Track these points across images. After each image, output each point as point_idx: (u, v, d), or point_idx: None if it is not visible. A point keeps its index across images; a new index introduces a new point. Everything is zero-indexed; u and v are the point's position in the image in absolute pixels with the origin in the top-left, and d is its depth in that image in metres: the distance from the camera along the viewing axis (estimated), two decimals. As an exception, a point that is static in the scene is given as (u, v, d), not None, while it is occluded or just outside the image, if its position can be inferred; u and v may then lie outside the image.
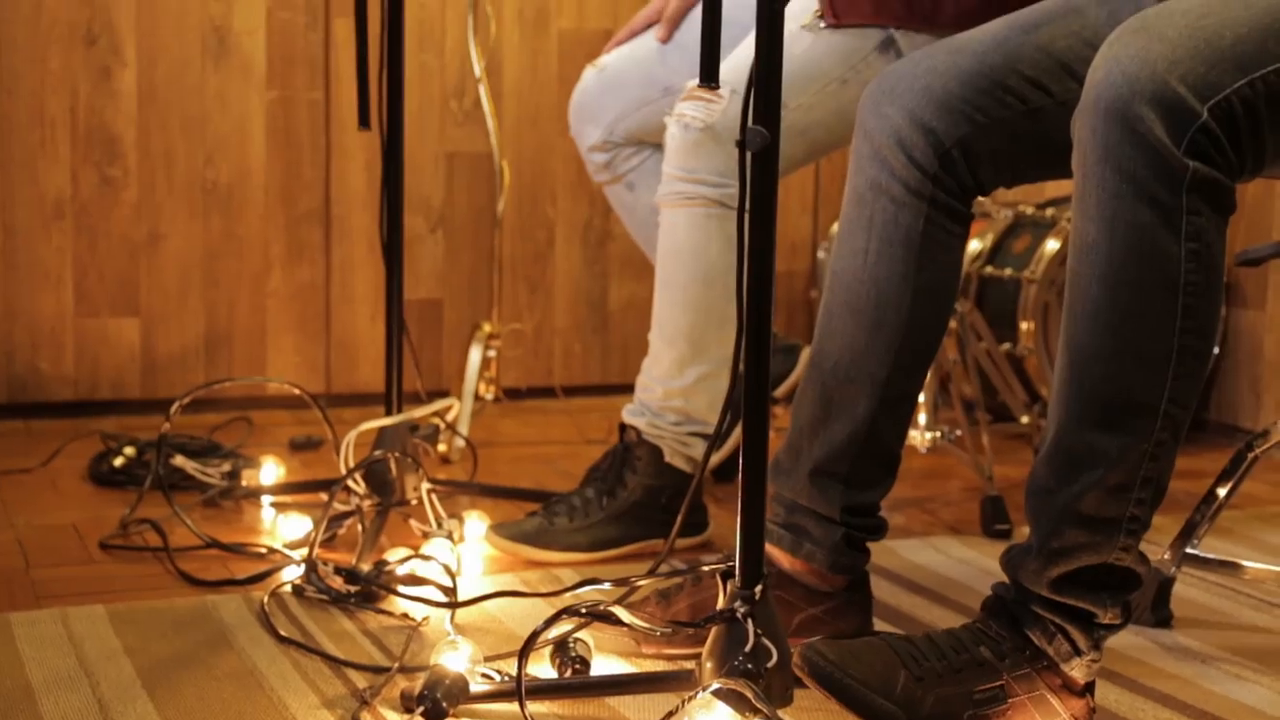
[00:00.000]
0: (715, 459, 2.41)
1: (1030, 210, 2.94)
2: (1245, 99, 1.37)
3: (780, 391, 2.57)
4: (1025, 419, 2.72)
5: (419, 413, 2.30)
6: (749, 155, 1.38)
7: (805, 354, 2.57)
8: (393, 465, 2.17)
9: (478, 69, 2.86)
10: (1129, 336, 1.42)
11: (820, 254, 3.43)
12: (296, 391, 2.31)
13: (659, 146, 2.38)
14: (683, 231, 2.11)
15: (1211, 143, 1.36)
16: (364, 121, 2.19)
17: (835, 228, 3.38)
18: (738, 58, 2.07)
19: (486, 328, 2.91)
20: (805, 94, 2.07)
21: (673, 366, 2.13)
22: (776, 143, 1.38)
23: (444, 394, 2.99)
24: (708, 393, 2.14)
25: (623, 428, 2.17)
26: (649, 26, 2.38)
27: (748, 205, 1.40)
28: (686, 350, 2.12)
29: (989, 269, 2.91)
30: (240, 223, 3.04)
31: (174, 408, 2.20)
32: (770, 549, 1.72)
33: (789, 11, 2.14)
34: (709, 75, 1.36)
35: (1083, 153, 1.41)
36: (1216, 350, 2.94)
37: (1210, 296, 1.42)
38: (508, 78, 3.19)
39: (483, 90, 2.87)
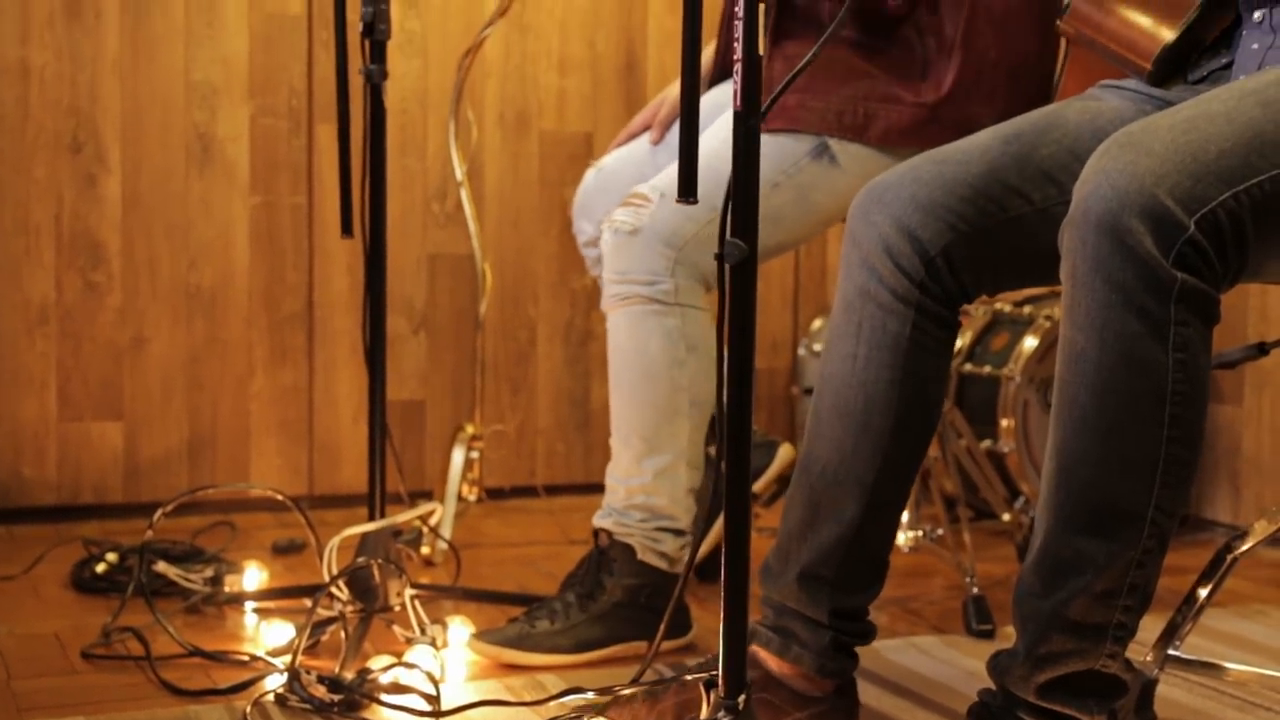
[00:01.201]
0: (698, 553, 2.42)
1: (1008, 308, 2.97)
2: (1231, 212, 1.40)
3: (758, 486, 2.59)
4: (1006, 516, 2.73)
5: (402, 518, 2.31)
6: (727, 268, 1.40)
7: (783, 450, 2.59)
8: (376, 571, 2.17)
9: (459, 173, 2.89)
10: (1116, 444, 1.43)
11: (800, 351, 3.46)
12: (280, 497, 2.31)
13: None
14: (624, 332, 2.16)
15: (1199, 255, 1.39)
16: (347, 230, 2.21)
17: (816, 324, 3.43)
18: (674, 169, 2.12)
19: (469, 429, 2.92)
20: None
21: (631, 464, 2.16)
22: (754, 255, 1.40)
23: (427, 494, 3.00)
24: (668, 486, 2.16)
25: (595, 533, 2.19)
26: (646, 129, 2.44)
27: (727, 317, 1.41)
28: (641, 447, 2.16)
29: (968, 366, 2.94)
30: (223, 326, 3.05)
31: (156, 516, 2.20)
32: (758, 650, 1.73)
33: (725, 120, 2.20)
34: (687, 190, 1.39)
35: (1073, 263, 1.43)
36: (1195, 445, 2.96)
37: (1197, 407, 1.44)
38: (489, 180, 3.22)
39: (464, 194, 2.90)
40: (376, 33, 2.19)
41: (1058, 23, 1.69)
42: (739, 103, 1.38)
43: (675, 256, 2.13)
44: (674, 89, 2.46)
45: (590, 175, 2.49)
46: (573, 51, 3.26)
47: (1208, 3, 1.60)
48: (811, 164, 2.14)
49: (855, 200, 1.71)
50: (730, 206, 1.40)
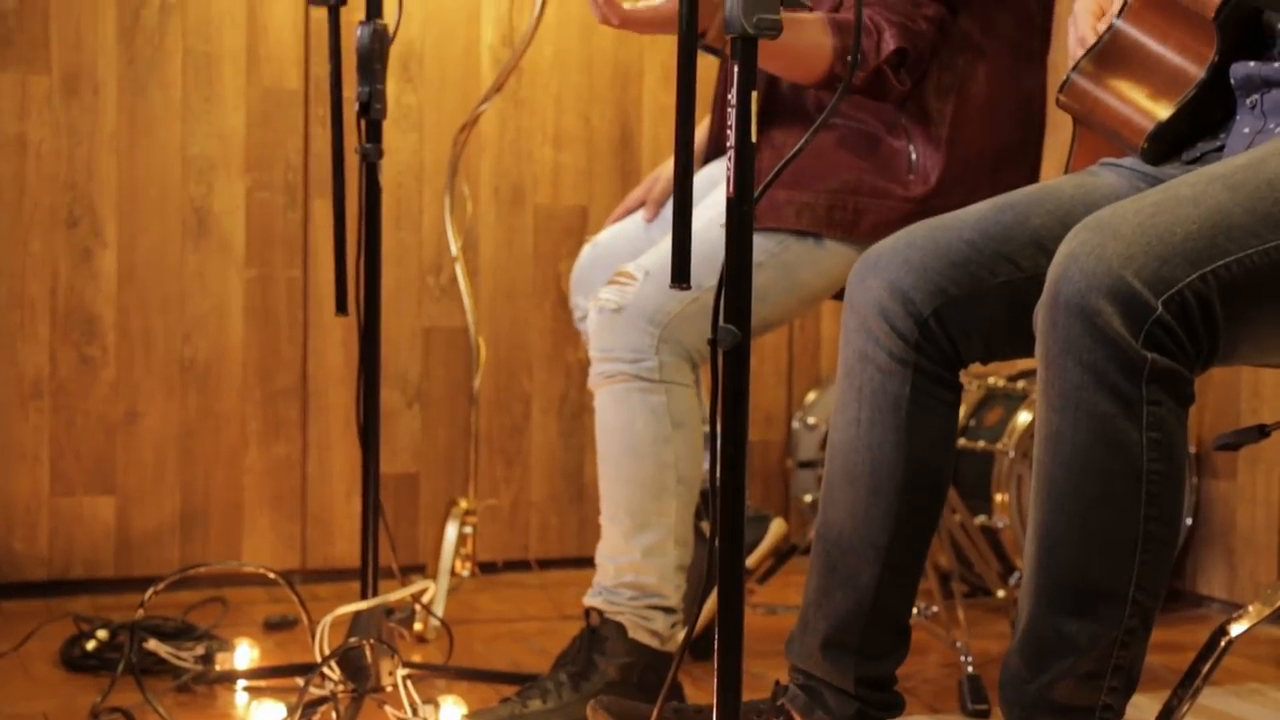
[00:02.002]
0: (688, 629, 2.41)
1: (1002, 382, 2.98)
2: (1198, 292, 1.42)
3: (751, 561, 2.59)
4: (1001, 592, 2.72)
5: (394, 596, 2.30)
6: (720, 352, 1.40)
7: (775, 524, 2.59)
8: (368, 651, 2.16)
9: (454, 247, 2.90)
10: (1095, 524, 1.44)
11: (795, 424, 3.46)
12: (271, 575, 2.30)
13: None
14: (610, 410, 2.17)
15: (1168, 335, 1.40)
16: (341, 307, 2.22)
17: (810, 397, 3.43)
18: (663, 245, 2.13)
19: (463, 504, 2.91)
20: (713, 275, 2.12)
21: (620, 542, 2.16)
22: (747, 340, 1.40)
23: (420, 568, 2.99)
24: (657, 564, 2.16)
25: (587, 612, 2.18)
26: (641, 205, 2.46)
27: (719, 403, 1.42)
28: (629, 524, 2.16)
29: (962, 441, 2.94)
30: (218, 400, 3.05)
31: (147, 595, 2.19)
32: (786, 705, 1.74)
33: (713, 200, 2.21)
34: (679, 276, 1.39)
35: (1045, 345, 1.45)
36: (1190, 521, 2.96)
37: (1173, 485, 1.45)
38: (484, 253, 3.23)
39: (459, 268, 2.91)
40: (372, 112, 2.21)
41: (1058, 96, 1.71)
42: (732, 189, 1.39)
43: (660, 334, 2.14)
44: (668, 166, 2.47)
45: (586, 250, 2.51)
46: (568, 126, 3.28)
47: (1206, 85, 1.62)
48: (797, 243, 2.15)
49: (853, 268, 1.75)
50: (722, 291, 1.40)
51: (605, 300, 2.16)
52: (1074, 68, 1.68)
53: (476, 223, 3.20)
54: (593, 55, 3.27)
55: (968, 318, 1.67)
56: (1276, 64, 1.61)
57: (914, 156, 2.16)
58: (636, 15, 1.95)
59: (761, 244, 2.14)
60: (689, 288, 1.41)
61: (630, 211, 2.49)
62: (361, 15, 2.24)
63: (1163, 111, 1.64)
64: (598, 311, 2.16)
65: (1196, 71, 1.61)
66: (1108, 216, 1.45)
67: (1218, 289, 1.42)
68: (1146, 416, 1.42)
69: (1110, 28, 1.66)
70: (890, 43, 2.08)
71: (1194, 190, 1.47)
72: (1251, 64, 1.62)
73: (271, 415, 3.09)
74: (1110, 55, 1.66)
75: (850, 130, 2.19)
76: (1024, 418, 2.87)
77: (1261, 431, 1.67)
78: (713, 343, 1.40)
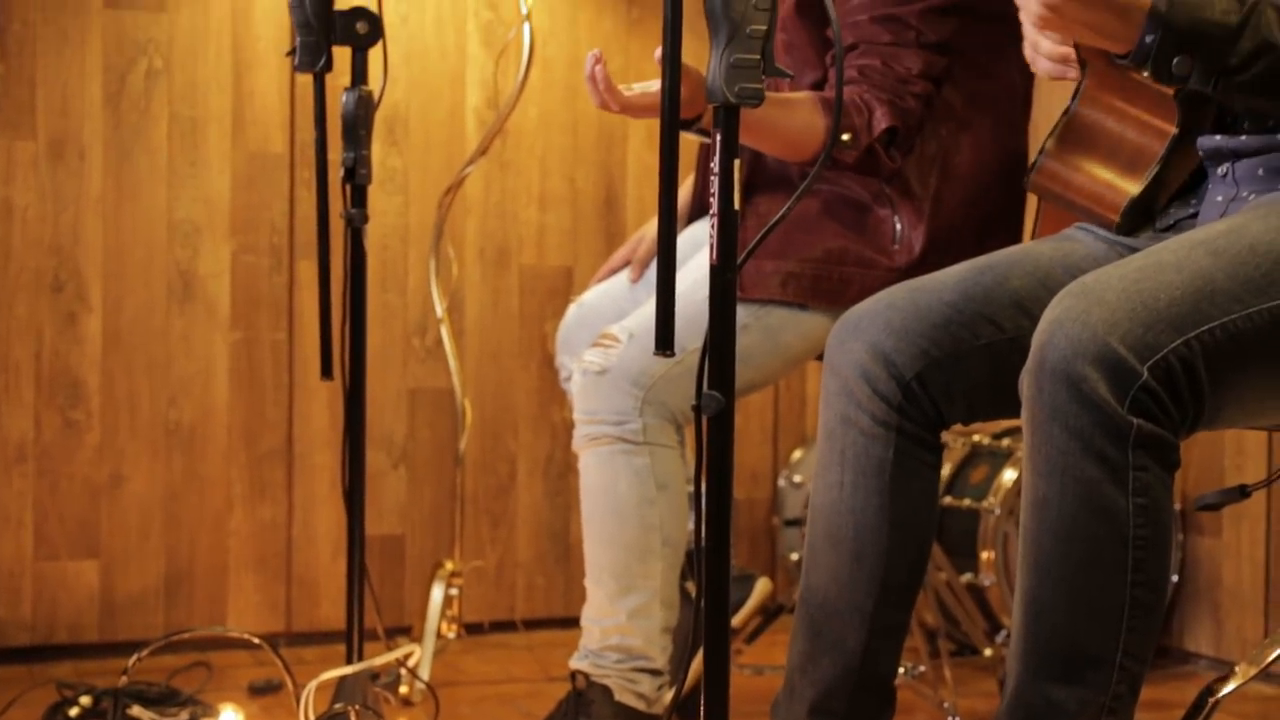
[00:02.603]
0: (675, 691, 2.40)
1: (987, 440, 2.98)
2: (1183, 358, 1.42)
3: (736, 621, 2.58)
4: (988, 651, 2.72)
5: (379, 661, 2.29)
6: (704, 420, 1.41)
7: (760, 583, 2.59)
8: (353, 717, 2.15)
9: (439, 309, 2.91)
10: (1082, 589, 1.44)
11: (781, 482, 3.46)
12: (256, 640, 2.30)
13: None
14: (594, 472, 2.17)
15: (1154, 400, 1.41)
16: (326, 372, 2.22)
17: (796, 455, 3.43)
18: (647, 307, 2.14)
19: (449, 565, 2.91)
20: (697, 338, 2.13)
21: (605, 604, 2.16)
22: (731, 407, 1.41)
23: (406, 630, 2.97)
24: (643, 626, 2.16)
25: (573, 675, 2.18)
26: (626, 264, 2.47)
27: (704, 468, 1.42)
28: (614, 587, 2.16)
29: (948, 499, 2.94)
30: (202, 463, 3.04)
31: (131, 662, 2.18)
32: None
33: (697, 262, 2.22)
34: (664, 343, 1.40)
35: (1032, 410, 1.45)
36: (1176, 578, 2.96)
37: (1160, 551, 1.45)
38: (469, 314, 3.24)
39: (444, 330, 2.92)
40: (358, 177, 2.22)
41: (1028, 177, 1.71)
42: (715, 257, 1.40)
43: (643, 396, 2.15)
44: (652, 226, 2.49)
45: (572, 310, 2.52)
46: (553, 187, 3.29)
47: (1169, 154, 1.63)
48: (780, 307, 2.17)
49: (832, 331, 1.74)
50: (707, 358, 1.41)
51: (589, 362, 2.17)
52: (1040, 152, 1.69)
53: (462, 284, 3.21)
54: (577, 118, 3.29)
55: (950, 379, 1.67)
56: (1243, 137, 1.62)
57: (898, 226, 2.18)
58: (635, 101, 1.96)
59: (745, 307, 2.15)
60: (673, 354, 1.41)
61: (615, 271, 2.50)
62: (347, 81, 2.26)
63: (1133, 187, 1.65)
64: (581, 374, 2.17)
65: (1159, 146, 1.63)
66: (1092, 283, 1.46)
67: (1202, 354, 1.43)
68: (1133, 482, 1.42)
69: (1066, 111, 1.68)
70: (882, 121, 2.10)
71: (1177, 256, 1.48)
72: (1218, 137, 1.64)
73: (257, 478, 3.08)
74: (1072, 138, 1.67)
75: (835, 197, 2.21)
76: (1009, 475, 2.87)
77: (1242, 492, 1.68)
78: (697, 409, 1.40)
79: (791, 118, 2.08)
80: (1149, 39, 1.46)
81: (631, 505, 2.15)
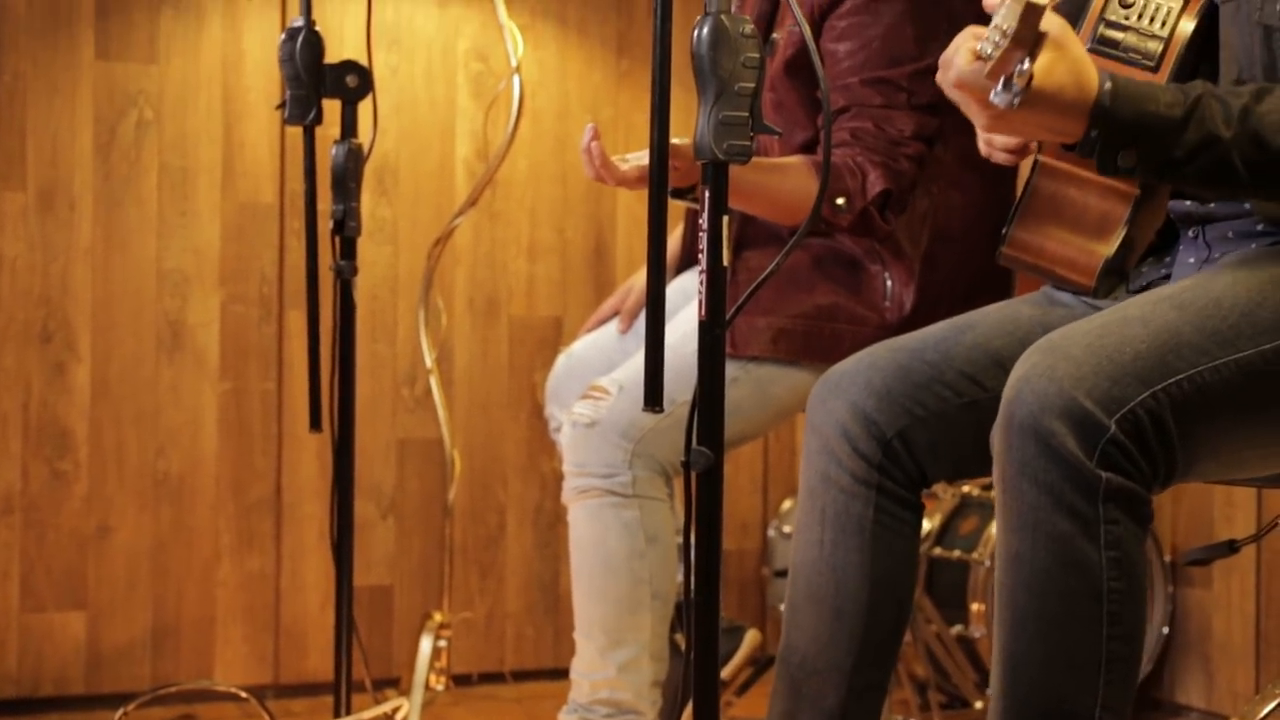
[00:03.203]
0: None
1: (976, 491, 2.98)
2: (1150, 410, 1.43)
3: (726, 673, 2.57)
4: (979, 703, 2.71)
5: (367, 714, 2.28)
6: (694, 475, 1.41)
7: (749, 635, 2.58)
8: (341, 771, 2.13)
9: (429, 359, 2.91)
10: (1058, 644, 1.45)
11: (770, 532, 3.45)
12: (243, 695, 2.28)
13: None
14: (583, 525, 2.17)
15: (1122, 454, 1.42)
16: (315, 424, 2.22)
17: (785, 505, 3.43)
18: (636, 359, 2.14)
19: (437, 617, 2.89)
20: (686, 391, 2.13)
21: (595, 658, 2.16)
22: (720, 462, 1.41)
23: (394, 682, 2.96)
24: (632, 680, 2.15)
25: (561, 730, 2.18)
26: (615, 314, 2.47)
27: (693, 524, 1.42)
28: (604, 640, 2.15)
29: (937, 550, 2.94)
30: (190, 513, 3.03)
31: (118, 715, 2.17)
32: None
33: (687, 314, 2.22)
34: (652, 399, 1.40)
35: (1001, 467, 1.46)
36: (1166, 630, 2.96)
37: (1135, 604, 1.46)
38: (459, 364, 3.24)
39: (433, 381, 2.92)
40: (347, 229, 2.22)
41: (1000, 250, 1.72)
42: (704, 312, 1.40)
43: (633, 449, 2.14)
44: (641, 277, 2.49)
45: (561, 360, 2.52)
46: (542, 238, 3.30)
47: (1135, 215, 1.64)
48: (771, 361, 2.16)
49: (814, 389, 1.75)
50: (696, 413, 1.41)
51: (579, 415, 2.17)
52: (1007, 225, 1.70)
53: (451, 334, 3.22)
54: (566, 169, 3.30)
55: (933, 438, 1.68)
56: (1212, 205, 1.63)
57: (889, 283, 2.18)
58: (629, 175, 1.98)
59: (735, 361, 2.15)
60: (661, 410, 1.41)
61: (603, 322, 2.51)
62: (337, 133, 2.26)
63: (1104, 250, 1.65)
64: (571, 426, 2.17)
65: (1124, 209, 1.63)
66: (1058, 339, 1.47)
67: (1170, 407, 1.43)
68: (1104, 536, 1.43)
69: (1028, 184, 1.68)
70: (876, 184, 2.10)
71: (1142, 310, 1.49)
72: (1188, 203, 1.65)
73: (245, 528, 3.07)
74: (1036, 209, 1.67)
75: (827, 252, 2.21)
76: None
77: (1231, 547, 1.68)
78: (686, 465, 1.40)
79: (783, 182, 2.09)
80: (1093, 133, 1.47)
81: (621, 558, 2.15)
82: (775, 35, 2.25)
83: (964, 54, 1.47)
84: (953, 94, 1.52)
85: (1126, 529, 1.43)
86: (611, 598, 2.15)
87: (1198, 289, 1.51)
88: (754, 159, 2.12)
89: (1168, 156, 1.47)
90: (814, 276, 2.19)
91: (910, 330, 2.13)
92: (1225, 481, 1.68)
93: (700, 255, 1.39)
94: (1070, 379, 1.42)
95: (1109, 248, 1.63)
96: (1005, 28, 1.39)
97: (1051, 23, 1.44)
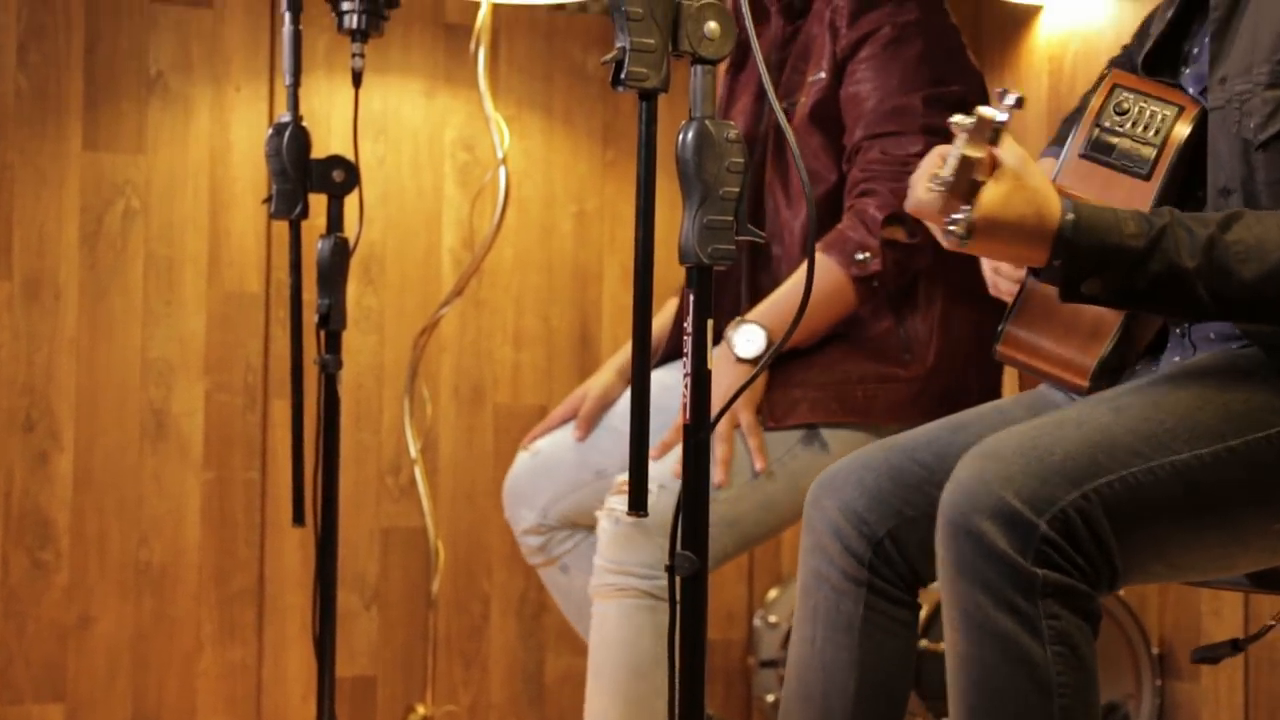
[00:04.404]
0: None
1: (962, 582, 2.97)
2: (1081, 509, 1.44)
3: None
4: (967, 798, 2.68)
5: (349, 813, 2.25)
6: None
7: None
8: None
9: (413, 449, 2.90)
10: None
11: (756, 622, 3.43)
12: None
13: (593, 529, 2.41)
14: (613, 623, 2.12)
15: (1057, 551, 1.43)
16: (298, 519, 2.21)
17: (771, 594, 3.41)
18: (671, 455, 2.12)
19: (420, 709, 2.87)
20: (732, 486, 2.12)
21: None
22: (704, 568, 1.40)
23: (376, 777, 2.93)
24: None
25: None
26: (567, 420, 2.44)
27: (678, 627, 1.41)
28: None
29: (924, 642, 2.92)
30: (172, 604, 3.01)
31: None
32: None
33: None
34: (637, 504, 1.39)
35: (943, 568, 1.48)
36: (1154, 723, 2.94)
37: (1084, 697, 1.46)
38: (443, 453, 3.23)
39: (418, 471, 2.91)
40: (332, 323, 2.22)
41: (995, 348, 1.72)
42: (688, 416, 1.40)
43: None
44: (595, 381, 2.46)
45: (524, 459, 2.47)
46: (528, 326, 3.30)
47: (1129, 316, 1.65)
48: (803, 450, 2.15)
49: (810, 490, 1.76)
50: (680, 518, 1.40)
51: (620, 511, 2.12)
52: (1003, 322, 1.71)
53: (436, 422, 3.21)
54: (552, 257, 3.31)
55: (925, 539, 1.67)
56: None
57: (904, 336, 2.19)
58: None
59: (770, 453, 2.14)
60: (645, 514, 1.40)
61: (552, 428, 2.45)
62: (323, 225, 2.27)
63: (1098, 351, 1.65)
64: (612, 522, 2.12)
65: (1116, 314, 1.64)
66: (993, 441, 1.49)
67: (1102, 507, 1.44)
68: (1047, 631, 1.44)
69: (1022, 286, 1.69)
70: (878, 213, 2.12)
71: (1079, 413, 1.51)
72: None
73: (227, 619, 3.05)
74: (1031, 310, 1.68)
75: (841, 327, 2.21)
76: (985, 618, 2.85)
77: (1235, 646, 1.68)
78: (670, 569, 1.39)
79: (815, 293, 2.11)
80: (1056, 262, 1.49)
81: (650, 663, 2.09)
82: (791, 101, 2.27)
83: (922, 181, 1.50)
84: (914, 215, 1.55)
85: (1070, 623, 1.44)
86: (634, 700, 2.10)
87: (1138, 393, 1.53)
88: (776, 293, 2.16)
89: (1131, 286, 1.48)
90: (826, 348, 2.19)
91: (940, 382, 2.15)
92: (1182, 580, 1.68)
93: (685, 359, 1.39)
94: (999, 480, 1.44)
95: (1103, 349, 1.64)
96: (944, 175, 1.42)
97: (1012, 153, 1.46)
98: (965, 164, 1.42)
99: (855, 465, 1.72)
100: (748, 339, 2.14)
